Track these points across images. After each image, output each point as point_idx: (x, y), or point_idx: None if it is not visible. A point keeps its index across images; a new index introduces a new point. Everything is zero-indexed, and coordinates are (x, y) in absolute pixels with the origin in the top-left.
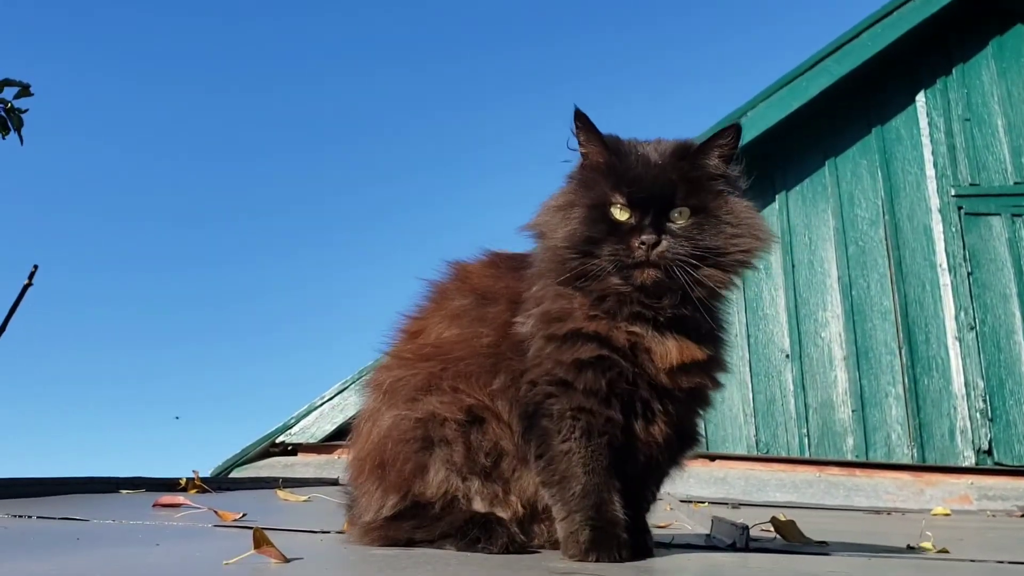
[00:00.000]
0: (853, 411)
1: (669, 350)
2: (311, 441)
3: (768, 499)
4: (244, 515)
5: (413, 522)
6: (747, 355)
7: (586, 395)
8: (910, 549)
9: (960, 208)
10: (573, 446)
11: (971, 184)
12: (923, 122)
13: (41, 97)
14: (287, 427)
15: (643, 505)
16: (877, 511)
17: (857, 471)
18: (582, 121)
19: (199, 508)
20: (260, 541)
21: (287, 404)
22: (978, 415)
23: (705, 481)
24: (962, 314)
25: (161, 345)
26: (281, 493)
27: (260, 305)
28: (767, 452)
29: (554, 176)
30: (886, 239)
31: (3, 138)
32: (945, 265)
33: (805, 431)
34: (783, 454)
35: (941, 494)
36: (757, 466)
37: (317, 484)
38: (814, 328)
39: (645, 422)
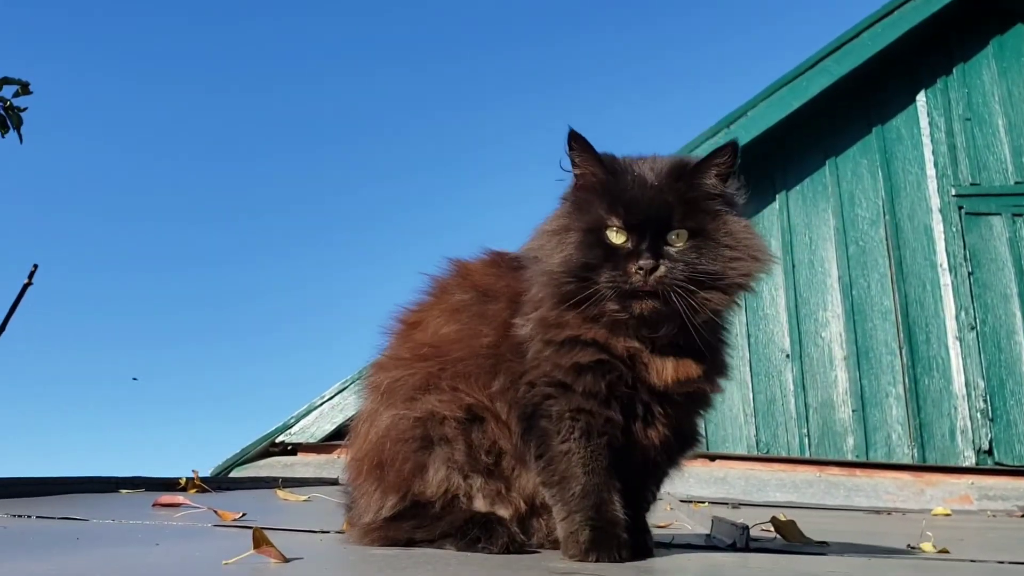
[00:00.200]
0: (853, 411)
1: (665, 367)
2: (311, 441)
3: (768, 499)
4: (244, 515)
5: (413, 522)
6: (747, 355)
7: (585, 397)
8: (910, 549)
9: (961, 208)
10: (572, 446)
11: (972, 184)
12: (924, 122)
13: (41, 96)
14: (287, 427)
15: (643, 505)
16: (877, 511)
17: (857, 471)
18: (577, 142)
19: (199, 508)
20: (260, 541)
21: (287, 404)
22: (978, 415)
23: (705, 481)
24: (963, 314)
25: (161, 345)
26: (281, 493)
27: (260, 305)
28: (767, 452)
29: (550, 186)
30: (887, 239)
31: (2, 136)
32: (946, 265)
33: (805, 431)
34: (783, 454)
35: (941, 494)
36: (757, 466)
37: (317, 484)
38: (814, 328)
39: (644, 424)
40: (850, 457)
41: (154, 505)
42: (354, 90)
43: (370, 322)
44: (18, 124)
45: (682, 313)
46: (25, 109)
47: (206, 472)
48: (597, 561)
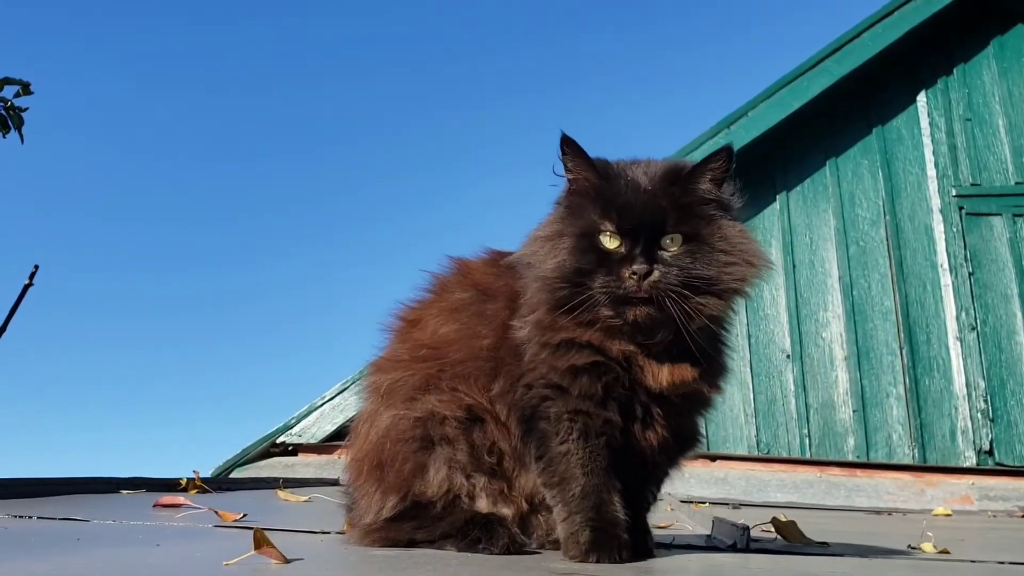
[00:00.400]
0: (854, 411)
1: (661, 371)
2: (311, 441)
3: (769, 499)
4: (244, 515)
5: (414, 523)
6: (748, 355)
7: (581, 399)
8: (911, 549)
9: (961, 208)
10: (571, 447)
11: (972, 184)
12: (924, 122)
13: (41, 96)
14: (287, 427)
15: (643, 506)
16: (878, 511)
17: (858, 471)
18: (570, 146)
19: (199, 508)
20: (260, 542)
21: (287, 404)
22: (979, 415)
23: (706, 481)
24: (963, 314)
25: (161, 345)
26: (281, 493)
27: (260, 305)
28: (768, 452)
29: (549, 186)
30: (887, 239)
31: (3, 137)
32: (946, 265)
33: (806, 431)
34: (784, 454)
35: (942, 494)
36: (758, 466)
37: (318, 484)
38: (815, 328)
39: (643, 426)
40: (851, 457)
41: (155, 506)
42: (354, 90)
43: (370, 322)
44: (19, 124)
45: (677, 319)
46: (26, 109)
47: (207, 473)
48: (598, 562)
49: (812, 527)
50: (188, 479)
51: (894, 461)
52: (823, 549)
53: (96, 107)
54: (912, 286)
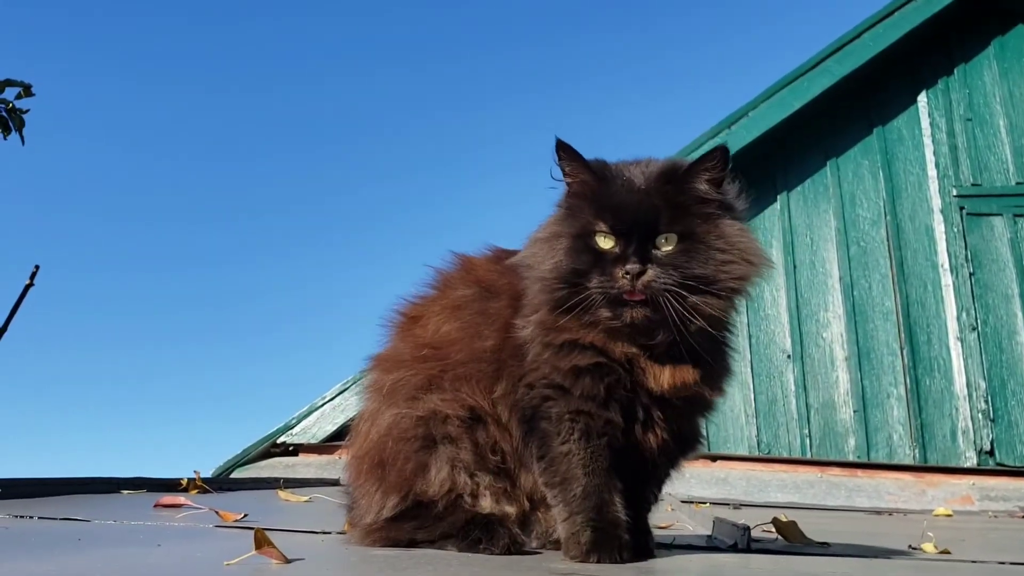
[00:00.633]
0: (855, 412)
1: (663, 373)
2: (312, 442)
3: (769, 500)
4: (245, 515)
5: (415, 523)
6: (749, 356)
7: (583, 399)
8: (912, 550)
9: (962, 208)
10: (572, 447)
11: (973, 184)
12: (925, 122)
13: (42, 97)
14: (288, 427)
15: (644, 506)
16: (879, 512)
17: (859, 472)
18: (565, 151)
19: (200, 508)
20: (261, 542)
21: (288, 404)
22: (980, 416)
23: (706, 482)
24: (964, 314)
25: (161, 345)
26: (282, 494)
27: (260, 305)
28: (768, 453)
29: (549, 186)
30: (888, 239)
31: (4, 138)
32: (947, 265)
33: (807, 431)
34: (784, 455)
35: (943, 495)
36: (758, 467)
37: (318, 484)
38: (816, 328)
39: (644, 427)
40: (851, 458)
41: (156, 506)
42: (354, 90)
43: (371, 322)
44: (20, 126)
45: (674, 319)
46: (27, 111)
47: (207, 473)
48: (598, 562)
49: (813, 527)
50: (189, 479)
51: (895, 461)
52: (824, 549)
53: (96, 107)
54: (913, 286)
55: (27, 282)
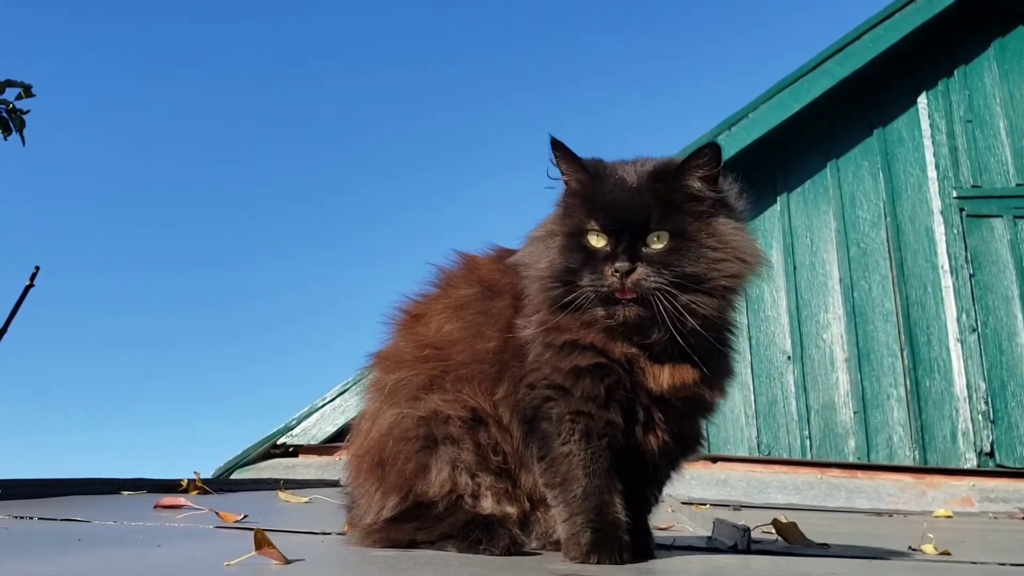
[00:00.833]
0: (855, 413)
1: (662, 373)
2: (312, 442)
3: (770, 501)
4: (245, 516)
5: (415, 523)
6: (749, 357)
7: (583, 400)
8: (912, 551)
9: (962, 210)
10: (573, 448)
11: (973, 186)
12: (925, 124)
13: (42, 97)
14: (288, 428)
15: (645, 508)
16: (879, 513)
17: (859, 473)
18: (559, 150)
19: (200, 509)
20: (261, 542)
21: (288, 405)
22: (980, 417)
23: (707, 483)
24: (964, 316)
25: (162, 346)
26: (282, 494)
27: (260, 305)
28: (769, 454)
29: (548, 186)
30: (888, 241)
31: (5, 139)
32: (947, 267)
33: (807, 433)
34: (785, 456)
35: (943, 496)
36: (759, 468)
37: (318, 485)
38: (816, 330)
39: (644, 429)
40: (851, 459)
41: (155, 507)
42: (354, 90)
43: (371, 323)
44: (20, 127)
45: (665, 317)
46: (28, 112)
47: (207, 474)
48: (598, 563)
49: (813, 528)
50: (189, 480)
51: (895, 463)
52: (824, 550)
53: (96, 108)
54: (913, 288)
55: (27, 283)
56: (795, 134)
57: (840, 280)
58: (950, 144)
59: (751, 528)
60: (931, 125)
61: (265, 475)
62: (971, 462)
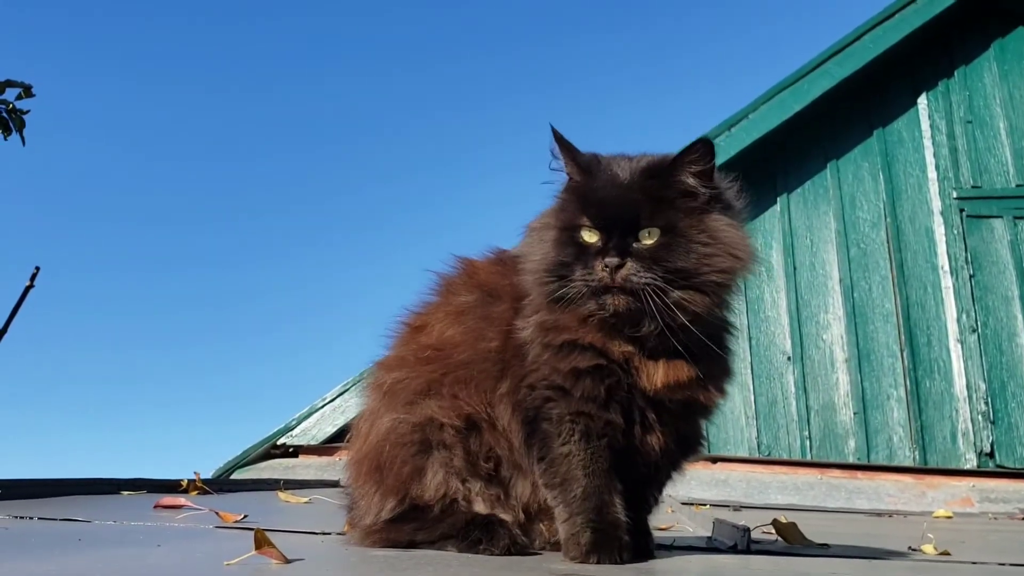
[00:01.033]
0: (855, 413)
1: (656, 371)
2: (312, 443)
3: (769, 501)
4: (245, 516)
5: (414, 524)
6: (749, 357)
7: (583, 401)
8: (911, 551)
9: (962, 210)
10: (573, 448)
11: (973, 186)
12: (925, 124)
13: (42, 97)
14: (288, 429)
15: (645, 508)
16: (879, 513)
17: (859, 473)
18: (559, 142)
19: (200, 509)
20: (261, 542)
21: (288, 406)
22: (980, 417)
23: (706, 483)
24: (964, 316)
25: (161, 346)
26: (282, 495)
27: (260, 306)
28: (768, 454)
29: (548, 186)
30: (888, 241)
31: (5, 139)
32: (947, 267)
33: (806, 433)
34: (784, 456)
35: (943, 496)
36: (758, 468)
37: (318, 486)
38: (816, 330)
39: (643, 429)
40: (851, 459)
41: (155, 507)
42: (354, 90)
43: (371, 323)
44: (20, 127)
45: (655, 311)
46: (28, 112)
47: (207, 474)
48: (598, 563)
49: (813, 529)
50: (189, 480)
51: (895, 463)
52: (824, 551)
53: (96, 108)
54: (913, 288)
55: (27, 283)
56: (795, 135)
57: (840, 281)
58: (950, 145)
59: (751, 528)
60: (931, 126)
61: (265, 475)
62: (971, 463)
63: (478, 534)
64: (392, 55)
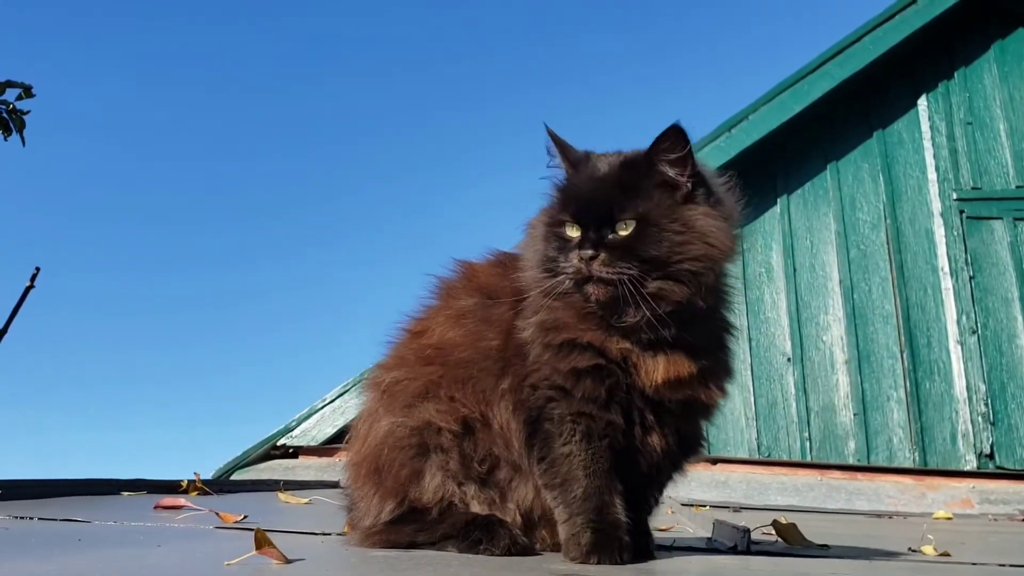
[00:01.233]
0: (855, 415)
1: (656, 366)
2: (312, 444)
3: (769, 503)
4: (245, 517)
5: (413, 526)
6: (748, 358)
7: (584, 401)
8: (911, 552)
9: (962, 212)
10: (574, 449)
11: (973, 188)
12: (925, 126)
13: (42, 97)
14: (288, 430)
15: (645, 509)
16: (878, 515)
17: (859, 475)
18: (553, 138)
19: (200, 510)
20: (262, 542)
21: (288, 407)
22: (980, 419)
23: (707, 485)
24: (964, 318)
25: (161, 346)
26: (282, 495)
27: (260, 306)
28: (768, 456)
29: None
30: (888, 243)
31: (5, 139)
32: (947, 269)
33: (806, 435)
34: (784, 458)
35: (943, 498)
36: (758, 470)
37: (318, 487)
38: (816, 332)
39: (644, 430)
40: (851, 461)
41: (156, 507)
42: (354, 90)
43: (371, 324)
44: (20, 127)
45: (635, 301)
46: (28, 112)
47: (207, 475)
48: (598, 563)
49: (813, 530)
50: (189, 481)
51: (895, 464)
52: (823, 552)
53: (96, 108)
54: (913, 290)
55: (27, 284)
56: (795, 136)
57: (840, 282)
58: (950, 146)
59: (751, 529)
60: (931, 127)
61: (265, 476)
62: (971, 464)
63: (478, 534)
64: (392, 55)
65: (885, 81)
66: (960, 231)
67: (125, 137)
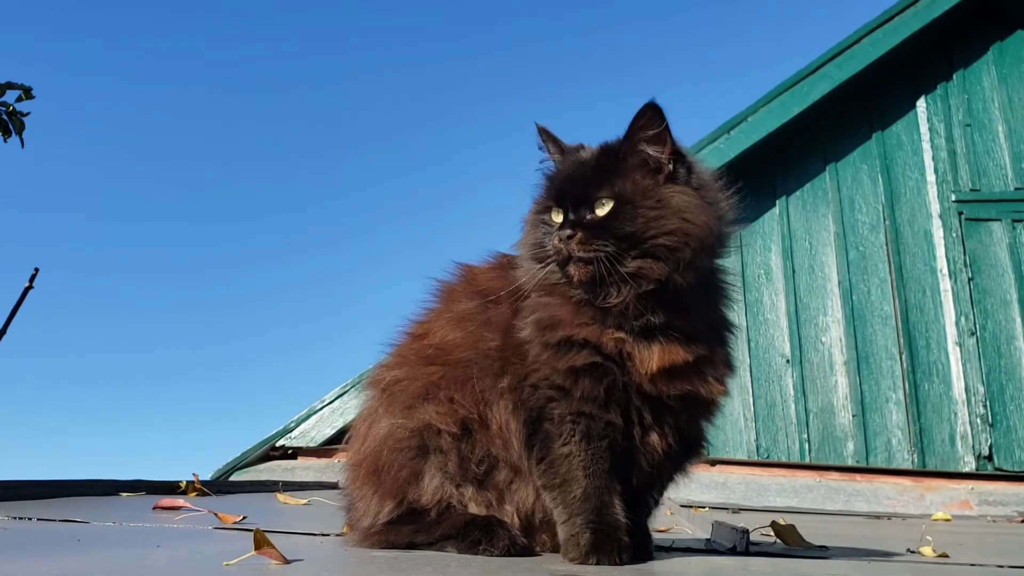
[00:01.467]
0: (853, 416)
1: (651, 355)
2: (311, 445)
3: (768, 504)
4: (244, 517)
5: (412, 527)
6: (748, 360)
7: (583, 401)
8: (910, 553)
9: (961, 213)
10: (573, 449)
11: (972, 189)
12: (924, 127)
13: (41, 98)
14: (287, 431)
15: (644, 510)
16: (877, 516)
17: (857, 476)
18: (544, 134)
19: (199, 511)
20: (261, 542)
21: (287, 408)
22: (978, 420)
23: (706, 486)
24: (963, 319)
25: (161, 347)
26: (281, 496)
27: (260, 307)
28: (767, 457)
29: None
30: (887, 244)
31: (4, 141)
32: (946, 270)
33: (805, 436)
34: (783, 459)
35: (941, 499)
36: (757, 471)
37: (317, 488)
38: (815, 333)
39: (643, 430)
40: (850, 462)
41: (154, 508)
42: (355, 91)
43: (370, 325)
44: (20, 129)
45: (615, 279)
46: (27, 114)
47: (206, 476)
48: (597, 564)
49: (811, 531)
50: (187, 482)
51: (893, 466)
52: (822, 553)
53: (96, 108)
54: (912, 291)
55: (27, 285)
56: (794, 137)
57: (839, 283)
58: (949, 148)
59: (750, 530)
60: (930, 129)
61: (264, 477)
62: (969, 465)
63: (478, 535)
64: (393, 55)
65: (884, 83)
66: (959, 233)
67: (125, 137)
